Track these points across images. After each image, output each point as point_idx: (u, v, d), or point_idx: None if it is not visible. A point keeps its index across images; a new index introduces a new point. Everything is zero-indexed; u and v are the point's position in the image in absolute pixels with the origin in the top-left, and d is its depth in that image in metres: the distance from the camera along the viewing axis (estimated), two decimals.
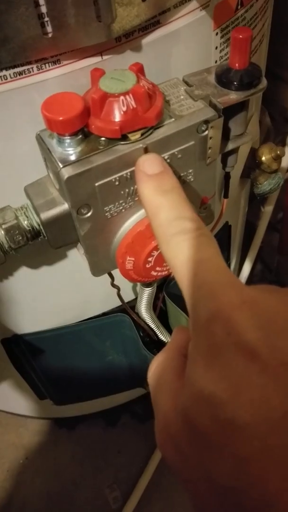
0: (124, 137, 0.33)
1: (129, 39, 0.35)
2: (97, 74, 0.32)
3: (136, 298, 0.60)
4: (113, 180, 0.34)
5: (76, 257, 0.48)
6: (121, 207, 0.36)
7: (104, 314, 0.63)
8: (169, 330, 0.66)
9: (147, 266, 0.40)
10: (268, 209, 0.87)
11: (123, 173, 0.34)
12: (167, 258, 0.27)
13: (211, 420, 0.20)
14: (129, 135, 0.33)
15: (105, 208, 0.36)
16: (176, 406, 0.23)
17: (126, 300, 0.57)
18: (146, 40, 0.37)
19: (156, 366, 0.29)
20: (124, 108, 0.31)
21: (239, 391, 0.20)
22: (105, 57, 0.35)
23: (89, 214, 0.35)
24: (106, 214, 0.36)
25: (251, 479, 0.19)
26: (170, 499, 0.93)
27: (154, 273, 0.41)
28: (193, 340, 0.23)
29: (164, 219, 0.28)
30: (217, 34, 0.42)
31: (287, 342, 0.20)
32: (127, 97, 0.31)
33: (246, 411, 0.19)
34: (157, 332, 0.64)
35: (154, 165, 0.31)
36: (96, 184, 0.33)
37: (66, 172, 0.32)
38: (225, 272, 0.24)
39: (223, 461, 0.20)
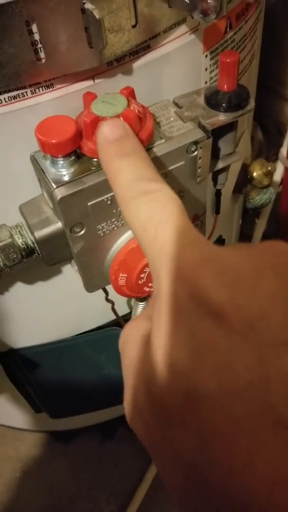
0: None
1: (120, 63, 0.37)
2: (89, 98, 0.33)
3: (130, 312, 0.61)
4: (105, 199, 0.35)
5: (71, 273, 0.49)
6: (113, 225, 0.37)
7: (99, 328, 0.64)
8: None
9: (140, 282, 0.41)
10: (261, 222, 0.88)
11: None
12: (128, 222, 0.26)
13: (174, 391, 0.18)
14: None
15: (97, 227, 0.37)
16: (141, 377, 0.21)
17: (120, 314, 0.58)
18: (137, 64, 0.38)
19: (123, 335, 0.26)
20: None
21: (202, 358, 0.18)
22: (97, 80, 0.36)
23: (82, 232, 0.36)
24: (99, 232, 0.37)
25: (215, 454, 0.17)
26: None
27: (146, 289, 0.42)
28: (156, 305, 0.21)
29: (124, 182, 0.27)
30: (206, 56, 0.43)
31: (255, 302, 0.18)
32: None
33: (209, 379, 0.17)
34: None
35: (115, 130, 0.30)
36: (89, 203, 0.34)
37: (60, 193, 0.33)
38: (188, 230, 0.23)
39: (187, 435, 0.18)
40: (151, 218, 0.24)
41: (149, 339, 0.22)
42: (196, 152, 0.37)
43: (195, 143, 0.36)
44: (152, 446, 0.21)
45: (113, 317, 0.58)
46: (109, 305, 0.53)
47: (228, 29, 0.45)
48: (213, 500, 0.17)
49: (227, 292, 0.18)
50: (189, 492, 0.19)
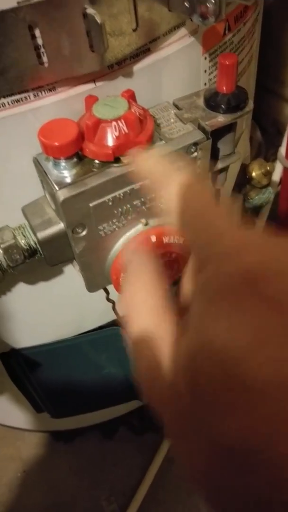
0: (117, 160, 0.34)
1: (121, 66, 0.37)
2: (91, 100, 0.34)
3: None
4: (107, 200, 0.35)
5: (72, 273, 0.50)
6: (114, 226, 0.38)
7: (100, 327, 0.65)
8: None
9: None
10: (260, 222, 0.89)
11: (116, 193, 0.36)
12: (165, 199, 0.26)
13: (221, 376, 0.18)
14: (122, 158, 0.34)
15: (99, 227, 0.37)
16: (173, 357, 0.21)
17: (121, 314, 0.58)
18: (138, 67, 0.38)
19: (136, 311, 0.25)
20: (117, 133, 0.33)
21: (257, 346, 0.17)
22: (98, 83, 0.37)
23: (84, 233, 0.37)
24: (100, 232, 0.37)
25: (260, 440, 0.17)
26: (168, 511, 0.94)
27: None
28: (202, 284, 0.21)
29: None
30: (205, 58, 0.44)
31: None
32: (119, 122, 0.33)
33: (263, 370, 0.17)
34: None
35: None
36: (91, 204, 0.35)
37: (62, 194, 0.33)
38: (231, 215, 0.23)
39: (231, 421, 0.17)
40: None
41: (170, 317, 0.22)
42: (195, 153, 0.37)
43: (195, 144, 0.37)
44: (181, 428, 0.20)
45: (114, 316, 0.58)
46: (110, 304, 0.54)
47: (226, 31, 0.45)
48: (248, 487, 0.17)
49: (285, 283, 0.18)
50: (221, 477, 0.18)
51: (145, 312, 0.24)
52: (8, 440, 1.02)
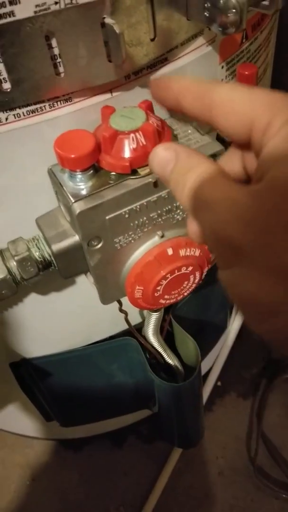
0: (134, 172, 0.34)
1: (137, 76, 0.36)
2: (107, 111, 0.33)
3: (143, 321, 0.60)
4: (123, 213, 0.35)
5: (85, 284, 0.49)
6: (130, 238, 0.37)
7: (111, 337, 0.64)
8: (176, 353, 0.66)
9: (156, 294, 0.40)
10: None
11: (133, 206, 0.35)
12: None
13: None
14: (139, 170, 0.34)
15: (115, 240, 0.36)
16: (254, 191, 0.22)
17: (133, 323, 0.58)
18: (154, 76, 0.38)
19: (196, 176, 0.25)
20: (134, 145, 0.32)
21: None
22: (114, 93, 0.36)
23: (99, 245, 0.36)
24: (116, 245, 0.37)
25: None
26: None
27: (162, 301, 0.42)
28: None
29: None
30: (222, 67, 0.43)
31: None
32: (137, 134, 0.32)
33: None
34: (164, 355, 0.64)
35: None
36: (107, 217, 0.34)
37: (78, 207, 0.33)
38: None
39: None
40: None
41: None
42: None
43: (213, 156, 0.36)
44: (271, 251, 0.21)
45: (125, 326, 0.57)
46: (122, 315, 0.53)
47: (244, 40, 0.44)
48: None
49: None
50: None
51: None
52: (17, 447, 1.01)
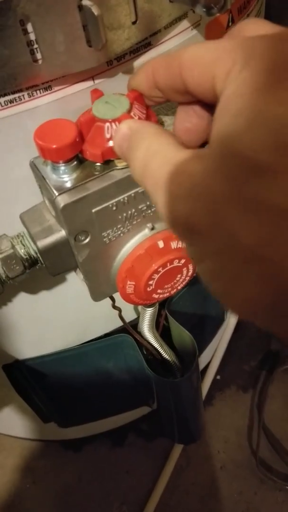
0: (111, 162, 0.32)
1: (120, 62, 0.35)
2: (94, 96, 0.32)
3: (138, 317, 0.59)
4: (110, 205, 0.33)
5: (75, 281, 0.48)
6: (119, 232, 0.36)
7: (106, 335, 0.63)
8: (172, 347, 0.65)
9: (148, 289, 0.39)
10: None
11: (120, 198, 0.33)
12: None
13: (273, 146, 0.17)
14: (116, 161, 0.32)
15: (103, 234, 0.35)
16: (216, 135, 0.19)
17: (128, 320, 0.56)
18: (138, 62, 0.36)
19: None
20: (109, 135, 0.30)
21: None
22: (97, 81, 0.35)
23: (87, 240, 0.35)
24: (104, 239, 0.35)
25: None
26: None
27: (155, 296, 0.41)
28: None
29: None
30: None
31: None
32: (113, 124, 0.30)
33: None
34: (160, 350, 0.63)
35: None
36: (93, 210, 0.33)
37: (62, 200, 0.31)
38: None
39: (277, 186, 0.17)
40: None
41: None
42: None
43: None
44: (229, 199, 0.18)
45: (120, 323, 0.56)
46: (116, 312, 0.52)
47: (230, 24, 0.43)
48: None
49: None
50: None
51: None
52: (15, 450, 1.00)
